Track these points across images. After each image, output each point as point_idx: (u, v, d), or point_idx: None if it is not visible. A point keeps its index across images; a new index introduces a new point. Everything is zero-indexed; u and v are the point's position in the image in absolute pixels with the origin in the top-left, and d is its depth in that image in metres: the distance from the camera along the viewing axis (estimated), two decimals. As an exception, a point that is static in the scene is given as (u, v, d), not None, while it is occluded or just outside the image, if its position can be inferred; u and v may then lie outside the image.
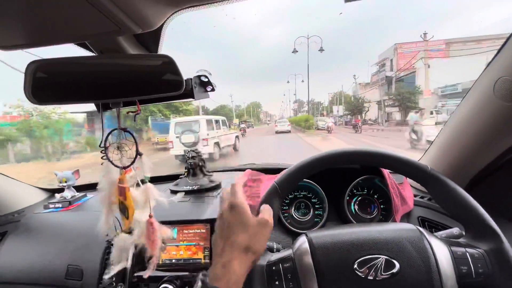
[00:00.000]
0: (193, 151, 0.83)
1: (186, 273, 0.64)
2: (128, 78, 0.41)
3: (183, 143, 6.92)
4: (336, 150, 0.45)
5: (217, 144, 7.91)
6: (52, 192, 1.11)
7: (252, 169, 0.94)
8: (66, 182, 0.96)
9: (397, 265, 0.36)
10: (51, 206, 0.92)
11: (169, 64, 0.40)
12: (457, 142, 0.60)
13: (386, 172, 0.65)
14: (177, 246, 0.68)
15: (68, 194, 0.96)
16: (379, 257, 0.37)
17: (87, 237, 0.76)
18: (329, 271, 0.38)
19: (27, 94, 0.39)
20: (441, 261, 0.36)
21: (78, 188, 1.03)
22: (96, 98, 0.44)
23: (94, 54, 0.46)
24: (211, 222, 0.68)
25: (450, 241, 0.39)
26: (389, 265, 0.36)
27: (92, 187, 1.09)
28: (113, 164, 0.48)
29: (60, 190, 0.99)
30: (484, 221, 0.37)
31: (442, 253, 0.37)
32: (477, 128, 0.54)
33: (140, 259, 0.64)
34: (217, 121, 8.42)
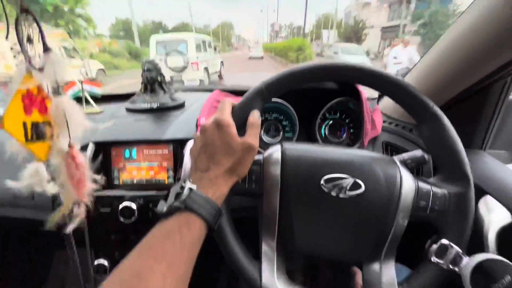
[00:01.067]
0: (149, 62, 0.70)
1: (150, 192, 0.62)
2: None
3: (170, 68, 5.90)
4: (332, 63, 0.39)
5: (206, 69, 6.83)
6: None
7: (221, 90, 0.85)
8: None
9: (363, 188, 0.36)
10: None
11: None
12: (440, 63, 0.56)
13: (364, 97, 0.61)
14: (138, 166, 0.64)
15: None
16: (348, 178, 0.36)
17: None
18: (295, 182, 0.37)
19: None
20: (405, 193, 0.36)
21: None
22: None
23: None
24: (174, 142, 0.63)
25: (420, 178, 0.39)
26: (355, 186, 0.36)
27: None
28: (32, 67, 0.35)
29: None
30: (462, 167, 0.37)
31: (408, 186, 0.37)
32: (467, 46, 0.49)
33: None
34: (204, 42, 7.11)
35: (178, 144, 0.63)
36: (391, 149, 0.66)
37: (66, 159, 0.41)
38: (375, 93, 0.82)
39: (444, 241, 0.35)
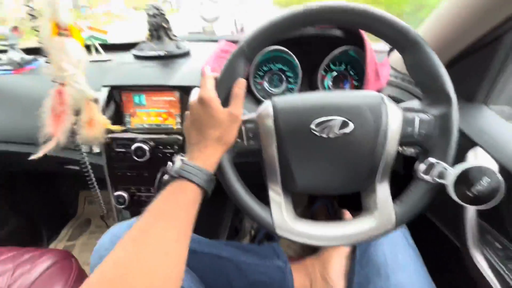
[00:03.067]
0: (154, 7, 0.68)
1: (159, 136, 0.67)
2: None
3: (202, 17, 5.62)
4: (312, 4, 0.38)
5: (234, 20, 6.49)
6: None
7: (228, 40, 0.83)
8: (6, 40, 0.81)
9: (352, 125, 0.38)
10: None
11: None
12: (450, 16, 0.53)
13: (368, 44, 0.60)
14: (147, 112, 0.68)
15: (15, 55, 0.84)
16: (336, 118, 0.38)
17: None
18: (288, 131, 0.40)
19: None
20: (392, 124, 0.39)
21: (25, 52, 0.89)
22: None
23: None
24: (180, 89, 0.66)
25: (405, 108, 0.41)
26: (344, 125, 0.38)
27: (41, 51, 0.96)
28: None
29: (2, 52, 0.85)
30: (445, 88, 0.38)
31: (395, 117, 0.39)
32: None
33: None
34: None
35: (185, 91, 0.66)
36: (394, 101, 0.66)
37: (53, 93, 0.44)
38: (386, 47, 0.79)
39: (431, 159, 0.39)
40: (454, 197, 0.36)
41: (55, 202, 1.34)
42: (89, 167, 0.66)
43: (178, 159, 0.39)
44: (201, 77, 0.42)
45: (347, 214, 0.71)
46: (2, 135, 0.75)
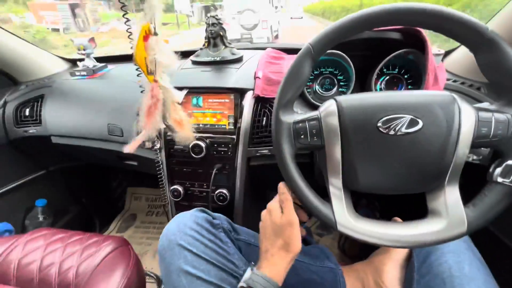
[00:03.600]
0: (213, 17, 0.75)
1: (214, 135, 0.71)
2: None
3: (242, 25, 6.37)
4: (377, 7, 0.39)
5: (270, 28, 6.90)
6: (72, 62, 1.12)
7: (274, 47, 0.87)
8: (84, 49, 0.94)
9: (421, 123, 0.38)
10: (77, 73, 0.95)
11: None
12: None
13: (429, 47, 0.58)
14: (203, 113, 0.73)
15: (90, 63, 0.97)
16: (404, 116, 0.38)
17: (120, 101, 0.81)
18: (353, 129, 0.40)
19: None
20: (465, 123, 0.37)
21: (97, 60, 1.02)
22: None
23: None
24: (234, 91, 0.70)
25: (479, 108, 0.39)
26: (412, 123, 0.38)
27: (110, 59, 1.08)
28: None
29: (81, 60, 0.99)
30: None
31: (468, 116, 0.38)
32: None
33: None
34: (270, 1, 7.14)
35: (238, 94, 0.70)
36: None
37: (147, 90, 0.50)
38: (441, 50, 0.76)
39: (509, 162, 0.37)
40: None
41: (106, 196, 1.47)
42: (160, 163, 0.72)
43: (249, 269, 0.43)
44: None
45: (398, 220, 0.69)
46: (77, 132, 0.85)
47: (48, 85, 0.94)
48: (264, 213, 0.48)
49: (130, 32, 0.45)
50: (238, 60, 0.79)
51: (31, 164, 1.11)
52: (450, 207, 0.39)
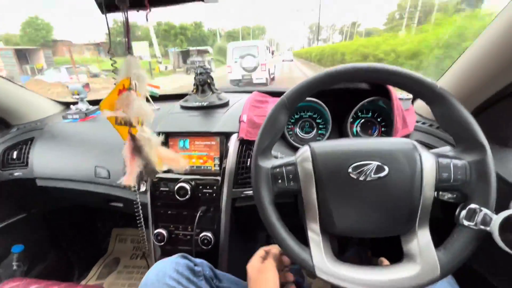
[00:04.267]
0: (201, 67, 0.81)
1: (199, 177, 0.73)
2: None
3: (243, 68, 7.56)
4: (344, 65, 0.44)
5: (268, 70, 8.16)
6: (66, 105, 1.16)
7: (259, 91, 0.94)
8: (78, 94, 0.98)
9: (387, 169, 0.41)
10: (69, 116, 0.98)
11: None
12: (473, 67, 0.58)
13: (394, 94, 0.65)
14: (189, 155, 0.76)
15: (82, 106, 1.01)
16: (372, 163, 0.41)
17: (109, 144, 0.83)
18: (326, 174, 0.43)
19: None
20: (426, 168, 0.40)
21: (91, 103, 1.06)
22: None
23: None
24: (219, 135, 0.73)
25: (438, 154, 0.43)
26: (379, 169, 0.41)
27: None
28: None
29: (74, 103, 1.03)
30: (476, 135, 0.40)
31: (429, 162, 0.41)
32: (498, 51, 0.51)
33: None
34: (267, 47, 8.51)
35: (224, 137, 0.73)
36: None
37: (128, 138, 0.52)
38: (409, 95, 0.84)
39: (472, 205, 0.39)
40: (501, 245, 0.35)
41: (89, 238, 1.40)
42: (140, 205, 0.71)
43: None
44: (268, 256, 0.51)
45: (385, 261, 0.68)
46: (63, 174, 0.85)
47: (39, 127, 0.96)
48: (249, 267, 0.50)
49: (115, 67, 0.49)
50: (225, 104, 0.84)
51: (12, 207, 1.07)
52: (423, 251, 0.41)
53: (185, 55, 15.78)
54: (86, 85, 1.01)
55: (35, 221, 1.15)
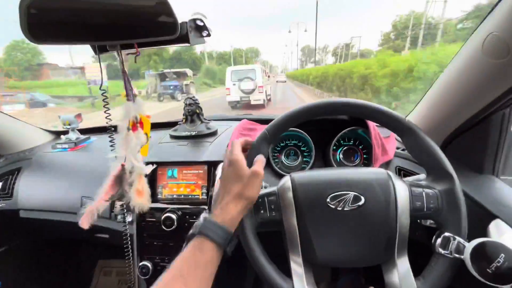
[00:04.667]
0: (190, 98, 0.85)
1: (186, 206, 0.73)
2: (123, 19, 0.41)
3: (242, 90, 8.06)
4: (321, 101, 0.48)
5: (265, 92, 8.81)
6: (57, 134, 1.16)
7: (249, 119, 0.97)
8: (69, 124, 1.00)
9: (363, 199, 0.43)
10: (58, 146, 0.98)
11: (162, 4, 0.40)
12: (440, 100, 0.62)
13: (371, 124, 0.69)
14: (177, 184, 0.76)
15: (73, 136, 1.02)
16: (349, 193, 0.43)
17: (97, 173, 0.83)
18: (306, 204, 0.44)
19: (23, 30, 0.40)
20: (400, 197, 0.42)
21: (82, 132, 1.08)
22: (92, 40, 0.45)
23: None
24: (208, 164, 0.75)
25: (411, 183, 0.45)
26: (356, 199, 0.43)
27: (95, 130, 1.15)
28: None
29: (65, 132, 1.04)
30: (443, 166, 0.43)
31: (402, 192, 0.43)
32: (461, 85, 0.56)
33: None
34: (264, 70, 9.33)
35: (212, 165, 0.75)
36: (404, 174, 0.71)
37: (116, 166, 0.54)
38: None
39: (446, 233, 0.40)
40: (474, 273, 0.37)
41: (73, 270, 1.33)
42: (129, 236, 0.70)
43: (202, 216, 0.44)
44: (231, 144, 0.48)
45: None
46: (48, 205, 0.84)
47: (27, 157, 0.96)
48: (224, 167, 0.46)
49: (106, 102, 0.52)
50: (213, 133, 0.87)
51: None
52: (403, 280, 0.41)
53: (164, 78, 14.62)
54: (78, 115, 1.03)
55: (15, 255, 1.10)
